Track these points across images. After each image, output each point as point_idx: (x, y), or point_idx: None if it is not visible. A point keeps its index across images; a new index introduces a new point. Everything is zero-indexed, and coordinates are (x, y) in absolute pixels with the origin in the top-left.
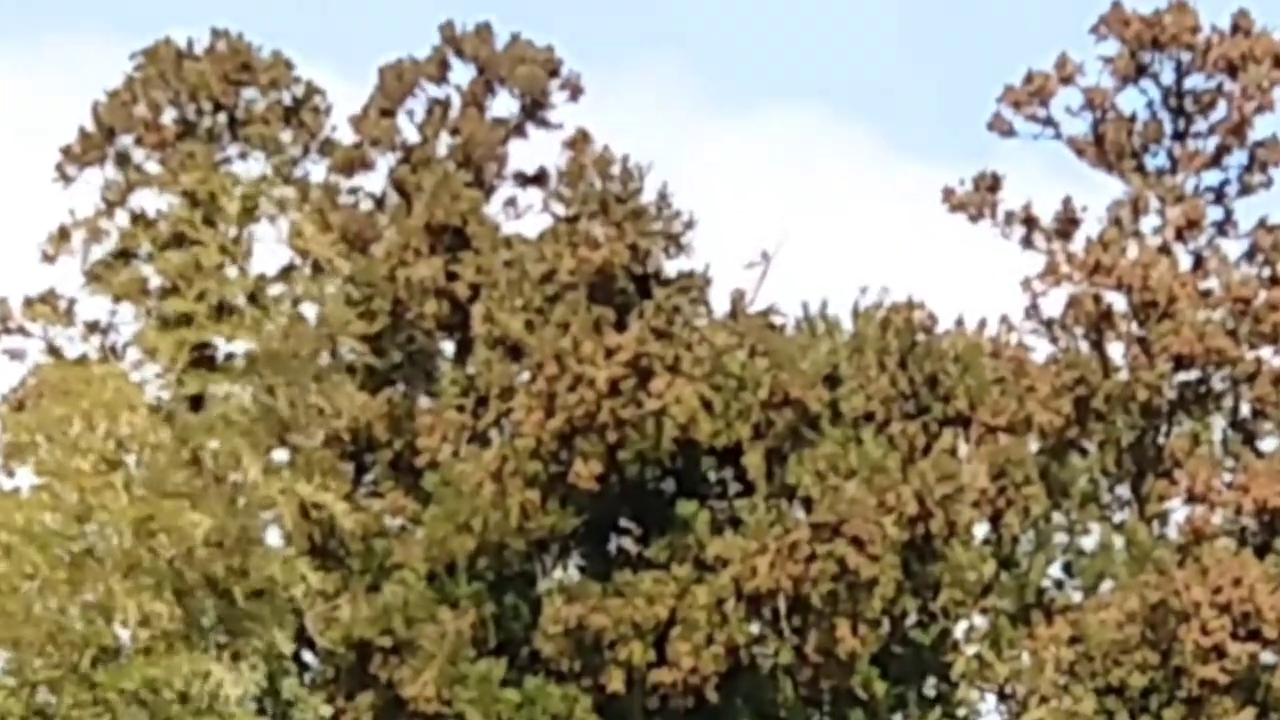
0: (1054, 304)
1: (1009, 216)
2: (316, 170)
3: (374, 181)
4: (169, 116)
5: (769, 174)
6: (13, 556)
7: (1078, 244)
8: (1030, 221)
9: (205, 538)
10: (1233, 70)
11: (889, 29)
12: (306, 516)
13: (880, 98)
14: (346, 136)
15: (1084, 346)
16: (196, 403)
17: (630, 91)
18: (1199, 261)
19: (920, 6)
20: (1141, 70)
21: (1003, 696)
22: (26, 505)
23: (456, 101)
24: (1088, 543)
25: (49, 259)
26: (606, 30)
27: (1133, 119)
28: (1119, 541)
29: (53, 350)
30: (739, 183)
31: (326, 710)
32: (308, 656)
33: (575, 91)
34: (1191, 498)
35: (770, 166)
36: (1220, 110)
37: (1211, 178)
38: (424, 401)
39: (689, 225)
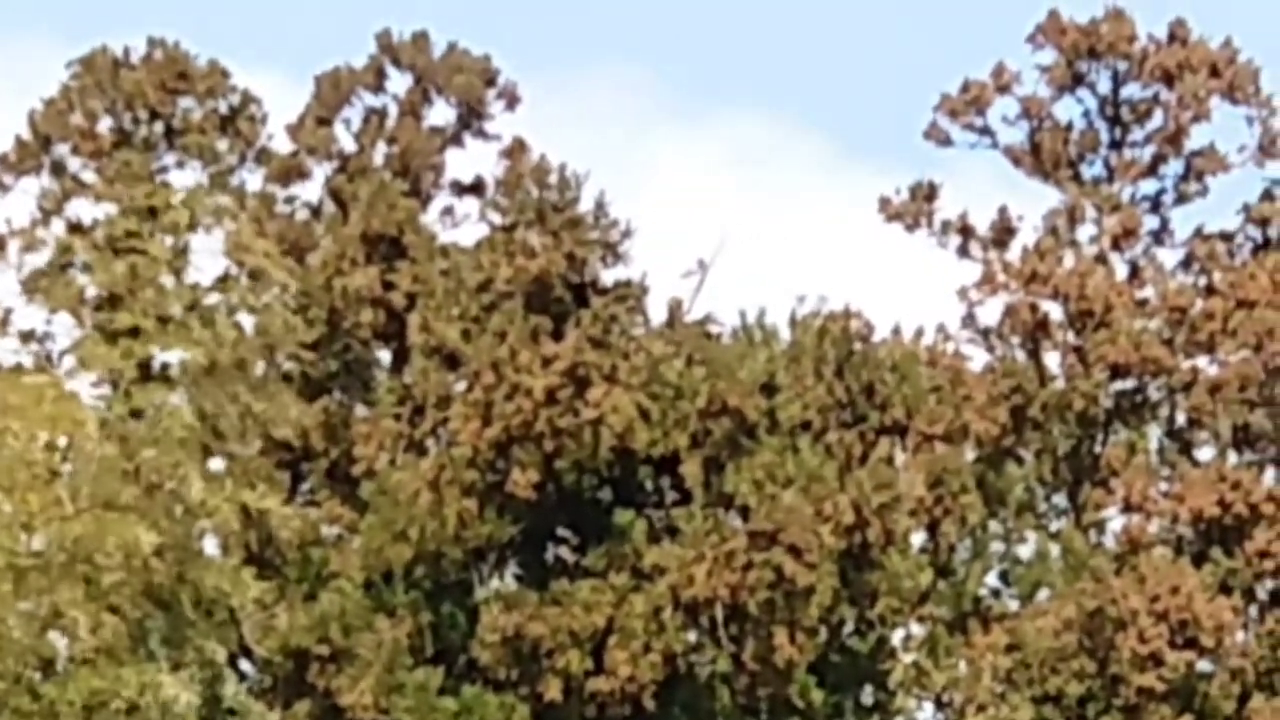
0: (990, 313)
1: (945, 225)
2: (253, 179)
3: (311, 190)
4: (105, 125)
5: (709, 183)
6: None
7: (1014, 253)
8: (967, 230)
9: (149, 549)
10: (1169, 79)
11: (834, 36)
12: (245, 525)
13: (823, 106)
14: (283, 145)
15: (1020, 355)
16: (135, 413)
17: (571, 100)
18: (1135, 271)
19: (861, 13)
20: (1078, 79)
21: (940, 705)
22: None
23: (393, 110)
24: (1024, 551)
25: None
26: (548, 38)
27: (1069, 128)
28: (1055, 550)
29: None
30: (680, 191)
31: (273, 718)
32: (245, 665)
33: (512, 100)
34: (1128, 507)
35: (710, 175)
36: (1157, 119)
37: (1148, 187)
38: (361, 410)
39: (626, 234)
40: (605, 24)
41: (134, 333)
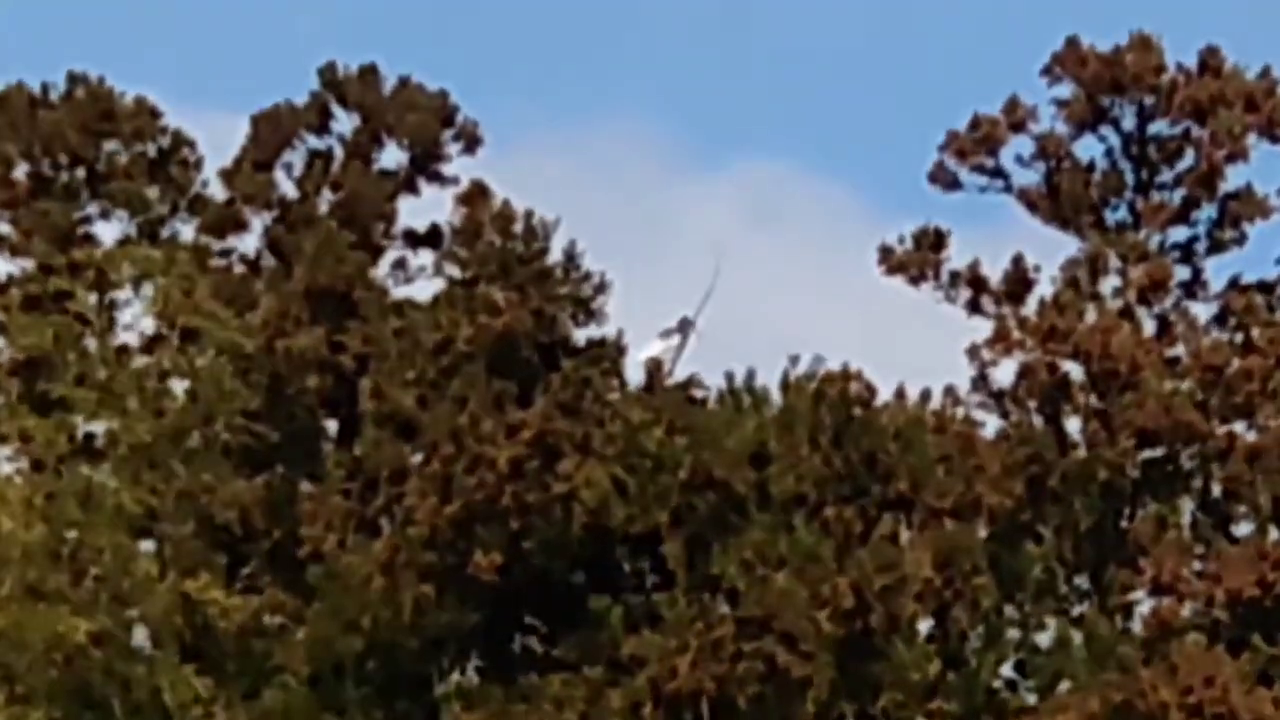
0: (1004, 374)
1: (954, 277)
2: (186, 230)
3: (249, 242)
4: (21, 171)
5: (697, 233)
6: None
7: (1030, 307)
8: (977, 283)
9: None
10: (1201, 114)
11: (830, 71)
12: (182, 615)
13: (820, 148)
14: (219, 193)
15: (1038, 421)
16: (59, 490)
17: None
18: (1164, 326)
19: (860, 43)
20: (1100, 115)
21: None
22: None
23: (339, 153)
24: (1043, 639)
25: None
26: (505, 72)
27: (1090, 169)
28: (1078, 637)
29: None
30: (664, 243)
31: None
32: None
33: (472, 141)
34: (1158, 588)
35: (701, 224)
36: (1187, 159)
37: (1178, 234)
38: (306, 486)
39: (600, 288)
40: (611, 74)
41: (59, 402)
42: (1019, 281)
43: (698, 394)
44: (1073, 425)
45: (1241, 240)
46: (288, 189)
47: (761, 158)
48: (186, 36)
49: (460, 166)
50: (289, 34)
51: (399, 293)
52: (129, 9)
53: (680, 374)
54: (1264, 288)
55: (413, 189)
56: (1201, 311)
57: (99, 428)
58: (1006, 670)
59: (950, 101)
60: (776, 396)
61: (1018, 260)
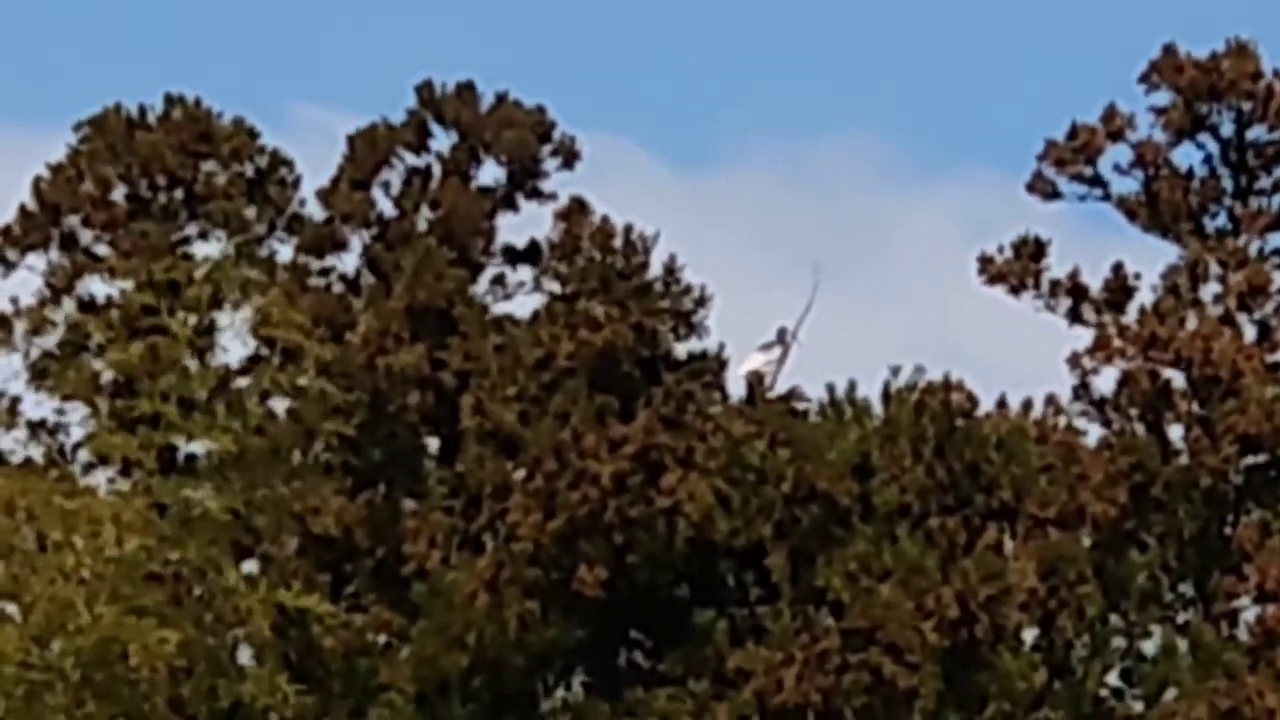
0: (1106, 382)
1: (1054, 287)
2: (284, 249)
3: (348, 261)
4: (119, 193)
5: (790, 243)
6: None
7: (1130, 315)
8: (1077, 291)
9: (174, 657)
10: None
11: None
12: (282, 634)
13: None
14: (316, 212)
15: (1140, 429)
16: (159, 510)
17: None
18: (1265, 332)
19: (952, 52)
20: (1198, 122)
21: None
22: None
23: (437, 170)
24: (1149, 647)
25: None
26: (601, 87)
27: (1189, 176)
28: (1183, 645)
29: None
30: (753, 253)
31: None
32: None
33: (570, 157)
34: (1263, 595)
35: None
36: None
37: (1278, 239)
38: (409, 504)
39: (700, 302)
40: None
41: (155, 421)
42: (1119, 290)
43: (799, 406)
44: (1175, 433)
45: None
46: (386, 207)
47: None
48: (284, 57)
49: (558, 182)
50: (386, 56)
51: (499, 309)
52: (224, 31)
53: (780, 386)
54: None
55: (511, 205)
56: None
57: (199, 448)
58: (1112, 679)
59: (1050, 110)
60: (878, 408)
61: (1118, 268)
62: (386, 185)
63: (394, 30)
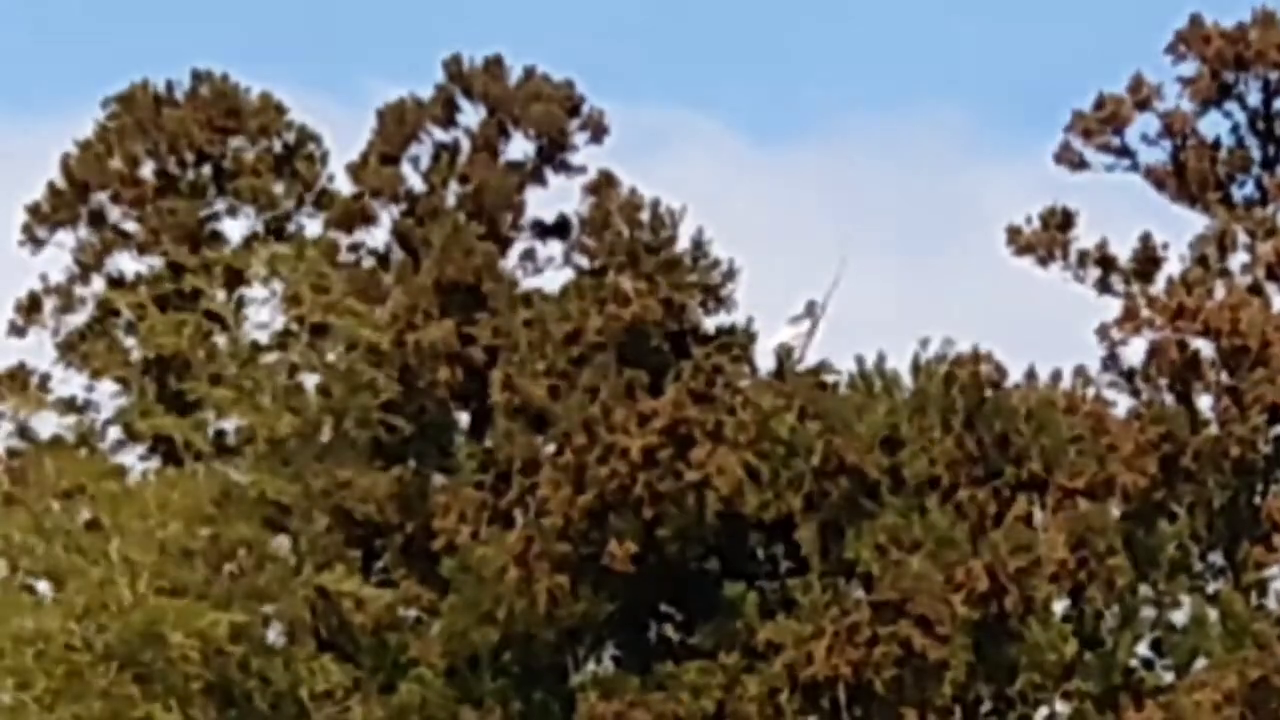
0: (1134, 353)
1: (1082, 257)
2: (313, 225)
3: (377, 236)
4: (147, 169)
5: (817, 216)
6: (4, 664)
7: (1159, 286)
8: (1106, 262)
9: (220, 641)
10: None
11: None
12: (314, 610)
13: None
14: (345, 187)
15: (1169, 399)
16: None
17: (666, 129)
18: None
19: (972, 22)
20: (1225, 92)
21: None
22: (19, 607)
23: (465, 145)
24: (1179, 617)
25: (18, 331)
26: (625, 62)
27: (1216, 146)
28: (1214, 614)
29: (24, 432)
30: (786, 226)
31: None
32: None
33: (598, 131)
34: None
35: (820, 208)
36: None
37: None
38: (439, 479)
39: (729, 275)
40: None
41: (190, 399)
42: (1148, 260)
43: (828, 379)
44: (1204, 403)
45: None
46: (415, 182)
47: None
48: (310, 33)
49: (587, 156)
50: (414, 30)
51: (528, 284)
52: (249, 4)
53: (809, 359)
54: None
55: (540, 180)
56: None
57: (231, 425)
58: (1143, 649)
59: (1076, 82)
60: (908, 380)
61: (1146, 239)
62: (415, 160)
63: (422, 3)
